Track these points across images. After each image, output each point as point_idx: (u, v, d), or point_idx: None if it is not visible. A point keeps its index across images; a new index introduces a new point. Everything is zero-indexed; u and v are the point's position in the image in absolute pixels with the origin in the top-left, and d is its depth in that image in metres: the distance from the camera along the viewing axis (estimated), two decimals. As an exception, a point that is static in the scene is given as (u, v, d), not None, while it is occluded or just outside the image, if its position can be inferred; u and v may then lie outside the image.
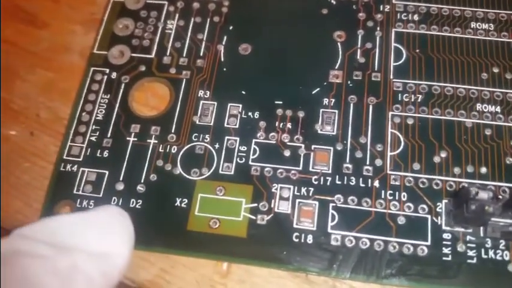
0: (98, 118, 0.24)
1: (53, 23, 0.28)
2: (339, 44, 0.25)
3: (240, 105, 0.24)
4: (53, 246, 0.16)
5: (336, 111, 0.23)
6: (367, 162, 0.22)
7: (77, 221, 0.18)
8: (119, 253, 0.17)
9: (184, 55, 0.25)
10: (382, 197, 0.21)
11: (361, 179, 0.22)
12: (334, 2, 0.26)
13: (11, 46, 0.27)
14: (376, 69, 0.24)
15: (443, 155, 0.22)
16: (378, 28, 0.25)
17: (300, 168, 0.22)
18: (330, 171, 0.22)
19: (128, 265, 0.18)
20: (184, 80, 0.24)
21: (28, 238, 0.16)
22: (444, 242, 0.20)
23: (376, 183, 0.22)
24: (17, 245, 0.16)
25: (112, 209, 0.19)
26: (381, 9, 0.26)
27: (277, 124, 0.23)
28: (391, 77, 0.24)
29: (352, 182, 0.22)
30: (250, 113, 0.23)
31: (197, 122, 0.23)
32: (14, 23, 0.28)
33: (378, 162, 0.22)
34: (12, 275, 0.15)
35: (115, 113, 0.24)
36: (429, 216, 0.21)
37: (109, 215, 0.19)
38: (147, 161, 0.23)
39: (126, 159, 0.23)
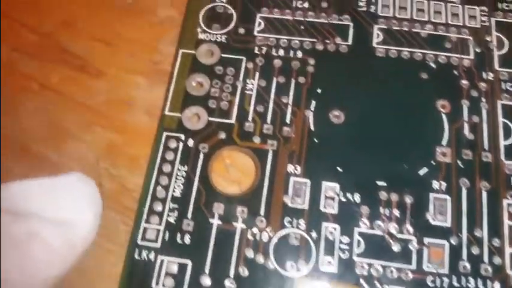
0: (175, 194, 0.21)
1: (108, 71, 0.24)
2: (443, 115, 0.22)
3: (337, 185, 0.21)
4: (7, 213, 0.15)
5: (448, 197, 0.20)
6: (485, 260, 0.19)
7: (35, 187, 0.17)
8: (82, 221, 0.17)
9: (268, 121, 0.22)
10: (506, 302, 0.19)
11: (479, 281, 0.19)
12: (434, 66, 0.23)
13: (60, 96, 0.24)
14: (485, 148, 0.21)
15: None
16: (483, 99, 0.22)
17: (413, 266, 0.19)
18: (446, 271, 0.19)
19: (93, 235, 0.17)
20: (271, 151, 0.21)
21: None
22: None
23: (497, 286, 0.19)
24: None
25: (74, 175, 0.18)
26: (484, 76, 0.23)
27: (382, 211, 0.20)
28: (503, 158, 0.21)
29: (471, 285, 0.19)
30: (349, 195, 0.21)
31: (289, 204, 0.20)
32: (62, 68, 0.25)
33: (496, 260, 0.19)
34: None
35: (194, 189, 0.21)
36: None
37: (71, 181, 0.18)
38: (235, 250, 0.20)
39: (211, 247, 0.20)
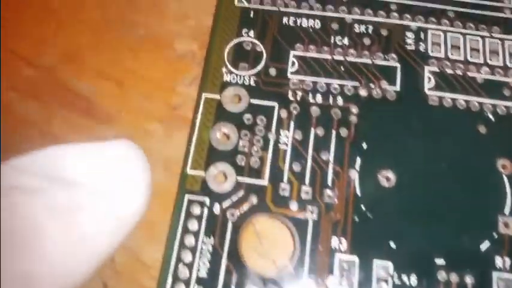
0: (200, 275, 0.18)
1: (118, 116, 0.21)
2: (504, 177, 0.19)
3: (390, 264, 0.18)
4: (51, 179, 0.15)
5: (516, 278, 0.17)
6: None
7: (83, 152, 0.16)
8: (133, 194, 0.16)
9: (307, 183, 0.19)
10: None
11: None
12: (493, 118, 0.20)
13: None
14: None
15: None
16: (551, 159, 0.19)
17: None
18: None
19: (143, 209, 0.16)
20: (311, 221, 0.18)
21: (20, 170, 0.15)
22: None
23: None
24: (6, 178, 0.14)
25: (123, 143, 0.17)
26: (550, 131, 0.20)
27: (442, 296, 0.17)
28: None
29: None
30: (404, 276, 0.18)
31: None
32: (65, 111, 0.21)
33: None
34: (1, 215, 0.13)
35: (223, 268, 0.18)
36: None
37: (120, 148, 0.17)
38: None
39: None
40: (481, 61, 0.21)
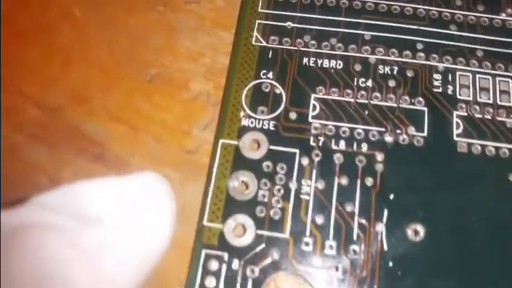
0: None
1: (131, 161, 0.20)
2: None
3: (421, 328, 0.16)
4: (76, 218, 0.14)
5: None
6: None
7: (109, 187, 0.15)
8: (158, 227, 0.16)
9: (330, 237, 0.18)
10: None
11: None
12: None
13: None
14: None
15: None
16: None
17: None
18: None
19: (168, 242, 0.15)
20: (336, 279, 0.17)
21: (47, 207, 0.14)
22: None
23: None
24: (33, 217, 0.14)
25: (148, 174, 0.16)
26: None
27: None
28: None
29: None
30: None
31: None
32: (76, 157, 0.20)
33: None
34: (23, 252, 0.13)
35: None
36: None
37: (145, 181, 0.16)
38: None
39: None
40: (511, 104, 0.20)
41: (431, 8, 0.22)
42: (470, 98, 0.20)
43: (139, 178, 0.17)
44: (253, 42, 0.21)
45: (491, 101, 0.20)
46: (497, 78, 0.21)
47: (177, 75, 0.22)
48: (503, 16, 0.22)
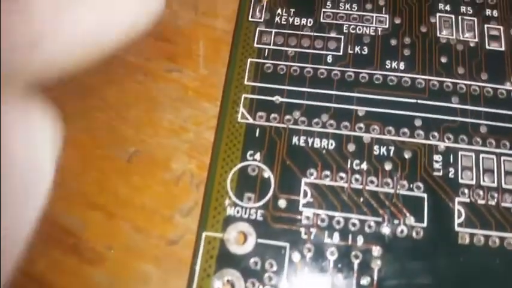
0: None
1: (108, 255, 0.18)
2: None
3: None
4: None
5: None
6: None
7: None
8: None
9: None
10: None
11: None
12: None
13: None
14: None
15: None
16: None
17: None
18: None
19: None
20: None
21: None
22: None
23: None
24: None
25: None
26: None
27: None
28: None
29: None
30: None
31: None
32: (49, 248, 0.18)
33: None
34: None
35: None
36: None
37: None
38: None
39: None
40: (517, 187, 0.19)
41: (431, 77, 0.20)
42: (473, 182, 0.19)
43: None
44: (239, 119, 0.20)
45: (495, 185, 0.19)
46: (502, 158, 0.19)
47: (158, 153, 0.20)
48: (507, 86, 0.20)
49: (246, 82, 0.20)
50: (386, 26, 0.21)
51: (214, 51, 0.22)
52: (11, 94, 0.13)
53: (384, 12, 0.22)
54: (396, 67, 0.21)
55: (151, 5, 0.15)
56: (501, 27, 0.21)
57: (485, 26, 0.22)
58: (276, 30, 0.21)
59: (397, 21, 0.21)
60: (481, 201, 0.19)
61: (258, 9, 0.22)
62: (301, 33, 0.21)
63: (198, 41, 0.22)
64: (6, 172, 0.13)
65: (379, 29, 0.21)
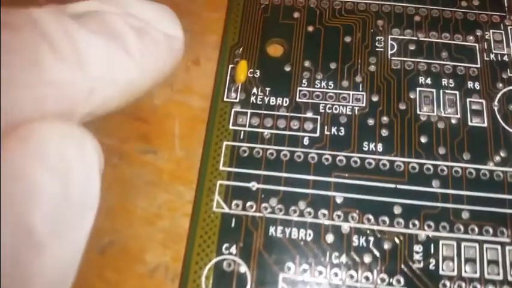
0: None
1: None
2: None
3: None
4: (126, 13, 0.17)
5: None
6: None
7: (143, 3, 0.18)
8: (177, 36, 0.18)
9: None
10: None
11: None
12: None
13: None
14: None
15: None
16: None
17: None
18: None
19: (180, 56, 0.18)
20: None
21: (104, 3, 0.17)
22: None
23: None
24: (94, 7, 0.17)
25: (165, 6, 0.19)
26: None
27: None
28: None
29: None
30: None
31: None
32: None
33: None
34: (95, 21, 0.16)
35: None
36: None
37: (164, 8, 0.19)
38: None
39: None
40: (501, 277, 0.18)
41: (410, 159, 0.20)
42: (455, 273, 0.18)
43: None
44: (215, 208, 0.19)
45: (477, 275, 0.18)
46: (485, 245, 0.19)
47: (132, 244, 0.20)
48: (490, 166, 0.20)
49: (221, 167, 0.20)
50: (364, 104, 0.21)
51: (190, 130, 0.21)
52: (69, 129, 0.15)
53: (360, 89, 0.21)
54: (374, 149, 0.20)
55: (176, 54, 0.18)
56: (483, 101, 0.21)
57: (468, 99, 0.21)
58: (252, 111, 0.21)
59: (375, 98, 0.21)
60: (463, 295, 0.18)
61: (233, 89, 0.21)
62: (277, 113, 0.21)
63: (173, 119, 0.22)
64: (69, 198, 0.15)
65: (356, 108, 0.21)
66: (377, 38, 0.22)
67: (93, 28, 0.16)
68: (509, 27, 0.22)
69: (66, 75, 0.15)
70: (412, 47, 0.22)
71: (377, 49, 0.22)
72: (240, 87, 0.21)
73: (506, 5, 0.23)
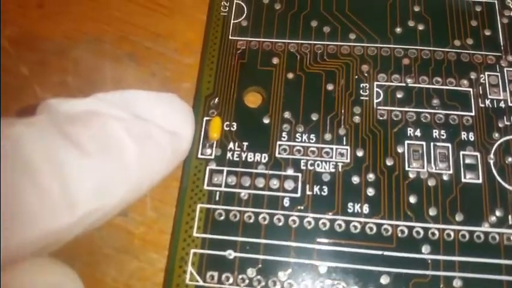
0: None
1: None
2: None
3: None
4: (129, 113, 0.17)
5: None
6: None
7: (151, 97, 0.18)
8: (185, 134, 0.18)
9: None
10: None
11: None
12: None
13: None
14: None
15: None
16: None
17: None
18: None
19: (188, 150, 0.19)
20: None
21: (106, 102, 0.17)
22: None
23: None
24: (94, 106, 0.16)
25: (172, 95, 0.19)
26: None
27: None
28: None
29: None
30: None
31: None
32: None
33: None
34: (91, 131, 0.16)
35: None
36: None
37: (173, 97, 0.19)
38: None
39: None
40: None
41: (398, 222, 0.18)
42: None
43: (170, 96, 0.19)
44: (188, 281, 0.18)
45: None
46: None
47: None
48: (485, 227, 0.18)
49: (195, 234, 0.18)
50: (348, 160, 0.19)
51: (163, 189, 0.20)
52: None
53: (344, 143, 0.19)
54: (359, 210, 0.18)
55: (181, 155, 0.18)
56: (478, 154, 0.19)
57: (461, 152, 0.19)
58: (228, 169, 0.19)
59: (360, 153, 0.19)
60: None
61: (207, 145, 0.19)
62: (255, 171, 0.19)
63: (145, 177, 0.20)
64: None
65: (340, 164, 0.19)
66: (361, 85, 0.20)
67: (89, 136, 0.15)
68: (505, 69, 0.20)
69: (51, 221, 0.14)
70: (399, 95, 0.20)
71: (362, 97, 0.20)
72: (215, 142, 0.19)
73: (502, 44, 0.21)
